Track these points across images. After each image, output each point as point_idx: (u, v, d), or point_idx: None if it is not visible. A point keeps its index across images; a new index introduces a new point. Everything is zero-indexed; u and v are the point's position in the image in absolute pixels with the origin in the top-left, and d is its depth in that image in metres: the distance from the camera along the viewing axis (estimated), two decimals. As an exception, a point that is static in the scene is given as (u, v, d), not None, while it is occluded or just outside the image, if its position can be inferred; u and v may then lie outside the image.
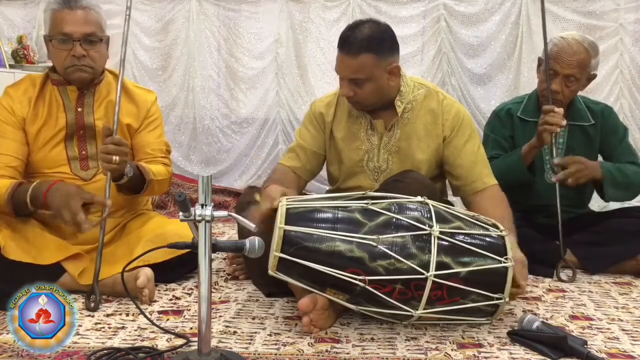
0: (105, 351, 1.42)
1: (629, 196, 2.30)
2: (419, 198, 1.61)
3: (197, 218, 1.25)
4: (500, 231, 1.63)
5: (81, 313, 1.70)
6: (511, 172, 2.17)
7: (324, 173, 2.15)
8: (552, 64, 2.18)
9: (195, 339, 1.38)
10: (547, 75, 2.16)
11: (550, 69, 2.18)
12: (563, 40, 2.20)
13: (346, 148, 1.98)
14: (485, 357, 1.45)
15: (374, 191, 1.71)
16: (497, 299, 1.55)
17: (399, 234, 1.50)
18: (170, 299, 1.85)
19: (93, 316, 1.69)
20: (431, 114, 1.93)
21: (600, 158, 2.36)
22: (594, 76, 2.25)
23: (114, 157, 1.72)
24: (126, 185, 1.86)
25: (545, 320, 1.60)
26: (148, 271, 1.81)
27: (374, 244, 1.48)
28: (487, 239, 1.60)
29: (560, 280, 2.10)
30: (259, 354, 1.45)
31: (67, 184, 1.79)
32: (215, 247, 1.31)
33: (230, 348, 1.48)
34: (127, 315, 1.70)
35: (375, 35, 1.78)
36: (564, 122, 2.11)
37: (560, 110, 2.11)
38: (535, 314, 1.71)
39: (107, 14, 2.08)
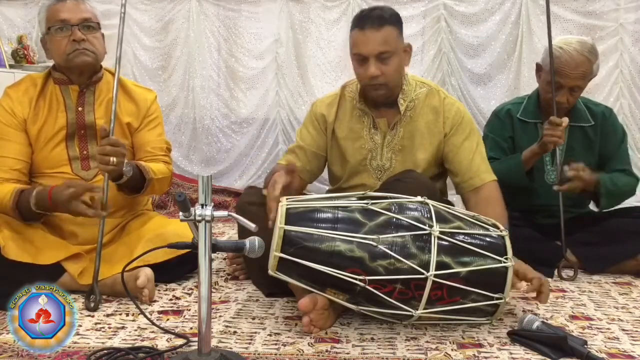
0: (105, 351, 1.42)
1: (618, 204, 2.32)
2: (419, 198, 1.61)
3: (197, 218, 1.25)
4: (501, 231, 1.63)
5: (81, 313, 1.70)
6: (510, 175, 2.16)
7: (324, 173, 2.15)
8: (555, 77, 2.13)
9: (195, 339, 1.38)
10: (553, 85, 2.12)
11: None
12: (563, 51, 2.14)
13: (349, 147, 1.98)
14: (485, 357, 1.45)
15: (374, 191, 1.71)
16: (497, 298, 1.55)
17: (399, 234, 1.50)
18: (170, 299, 1.85)
19: (93, 316, 1.69)
20: (433, 111, 1.95)
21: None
22: (594, 76, 2.24)
23: (111, 159, 1.72)
24: (126, 184, 1.86)
25: (545, 320, 1.60)
26: (148, 271, 1.81)
27: (374, 243, 1.48)
28: (487, 239, 1.60)
29: (561, 279, 2.10)
30: (259, 354, 1.45)
31: (63, 183, 1.78)
32: (215, 247, 1.31)
33: (230, 348, 1.48)
34: (127, 315, 1.70)
35: (392, 12, 1.89)
36: (562, 141, 2.11)
37: (566, 120, 2.08)
38: (535, 314, 1.70)
39: (106, 14, 2.10)
